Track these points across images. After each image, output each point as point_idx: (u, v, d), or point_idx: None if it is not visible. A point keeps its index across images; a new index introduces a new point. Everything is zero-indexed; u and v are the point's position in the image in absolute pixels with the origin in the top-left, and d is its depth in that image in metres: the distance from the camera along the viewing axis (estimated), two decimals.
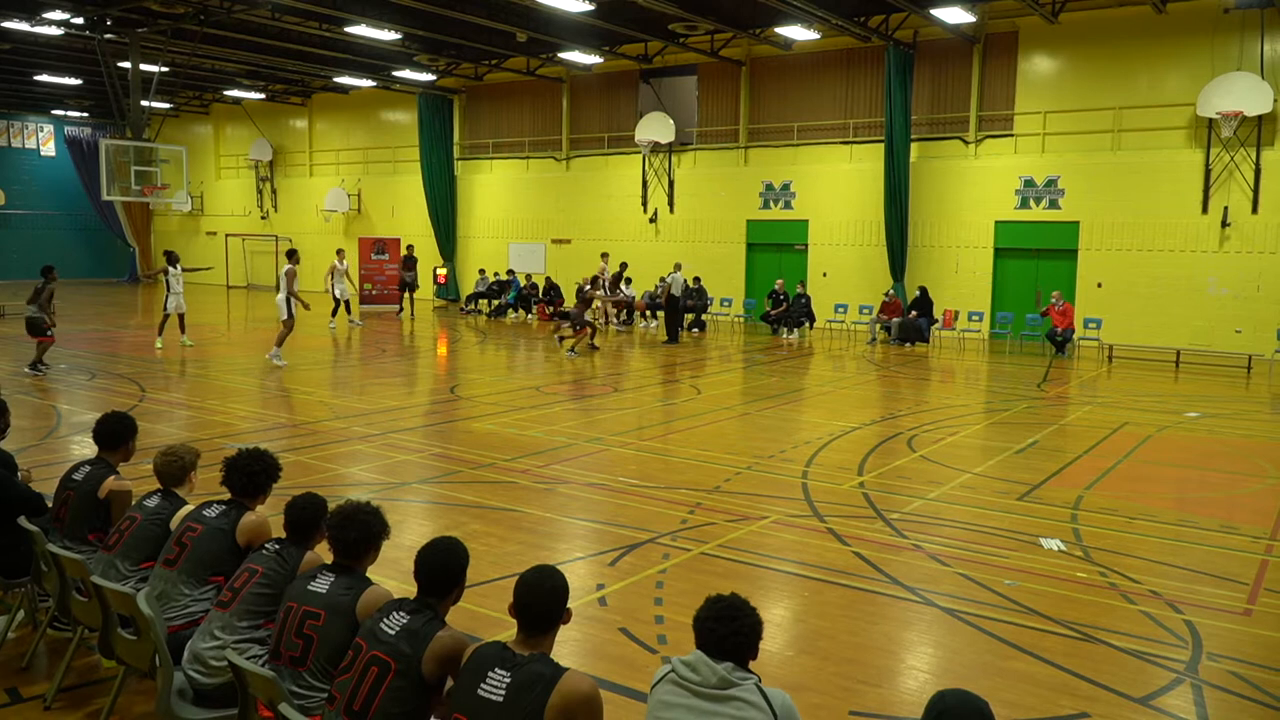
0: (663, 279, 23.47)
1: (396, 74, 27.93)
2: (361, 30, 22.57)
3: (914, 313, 21.71)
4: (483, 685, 3.01)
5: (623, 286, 23.95)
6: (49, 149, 39.55)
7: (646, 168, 26.61)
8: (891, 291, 22.31)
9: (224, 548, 4.38)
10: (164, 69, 26.46)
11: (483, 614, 5.63)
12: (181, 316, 18.46)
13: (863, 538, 7.47)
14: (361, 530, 3.80)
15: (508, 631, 3.55)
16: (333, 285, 23.04)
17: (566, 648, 5.28)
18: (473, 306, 27.56)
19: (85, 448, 9.23)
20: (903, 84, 21.78)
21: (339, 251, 24.00)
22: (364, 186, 33.52)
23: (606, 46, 24.51)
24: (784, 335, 22.64)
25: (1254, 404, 14.69)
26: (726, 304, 25.08)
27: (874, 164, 22.74)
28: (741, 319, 24.99)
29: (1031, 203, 21.37)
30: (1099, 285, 20.63)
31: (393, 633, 3.31)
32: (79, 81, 30.51)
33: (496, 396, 13.80)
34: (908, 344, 21.18)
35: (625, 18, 21.49)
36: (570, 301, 25.77)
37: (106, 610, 4.29)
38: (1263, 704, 4.91)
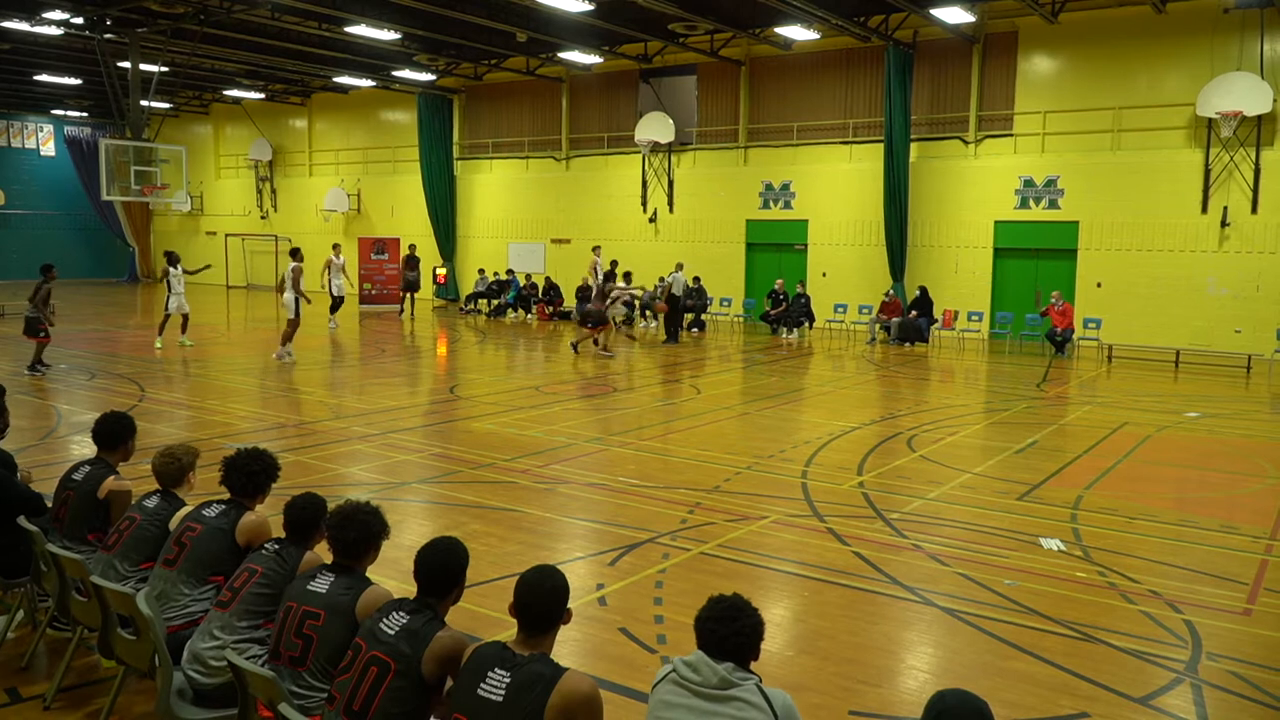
0: (662, 279, 23.47)
1: (396, 74, 27.93)
2: (361, 30, 22.57)
3: (914, 312, 21.71)
4: (482, 685, 3.01)
5: (623, 283, 23.81)
6: (49, 149, 39.54)
7: (646, 167, 26.61)
8: (891, 291, 22.31)
9: (223, 547, 4.38)
10: (164, 69, 26.46)
11: (483, 614, 5.63)
12: (185, 317, 18.45)
13: (862, 537, 7.47)
14: (361, 530, 3.80)
15: (508, 631, 3.55)
16: (329, 281, 23.04)
17: (566, 648, 5.28)
18: (472, 306, 27.55)
19: (85, 448, 9.23)
20: (902, 84, 21.78)
21: (335, 246, 24.00)
22: (363, 186, 33.52)
23: (606, 46, 24.51)
24: (784, 335, 22.64)
25: (1254, 404, 14.69)
26: (726, 304, 25.08)
27: (873, 164, 22.74)
28: (741, 319, 24.99)
29: (1031, 202, 21.37)
30: (1098, 285, 20.63)
31: (392, 633, 3.31)
32: (79, 81, 30.50)
33: (496, 396, 13.80)
34: (907, 344, 21.18)
35: (625, 17, 21.49)
36: (570, 301, 25.82)
37: (106, 610, 4.29)
38: (1262, 704, 4.91)
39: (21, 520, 5.01)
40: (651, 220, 26.77)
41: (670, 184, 26.40)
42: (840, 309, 23.24)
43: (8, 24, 21.73)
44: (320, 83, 31.29)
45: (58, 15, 21.58)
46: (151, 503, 4.82)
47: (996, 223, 21.81)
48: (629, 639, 5.53)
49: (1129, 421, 12.48)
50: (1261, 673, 5.22)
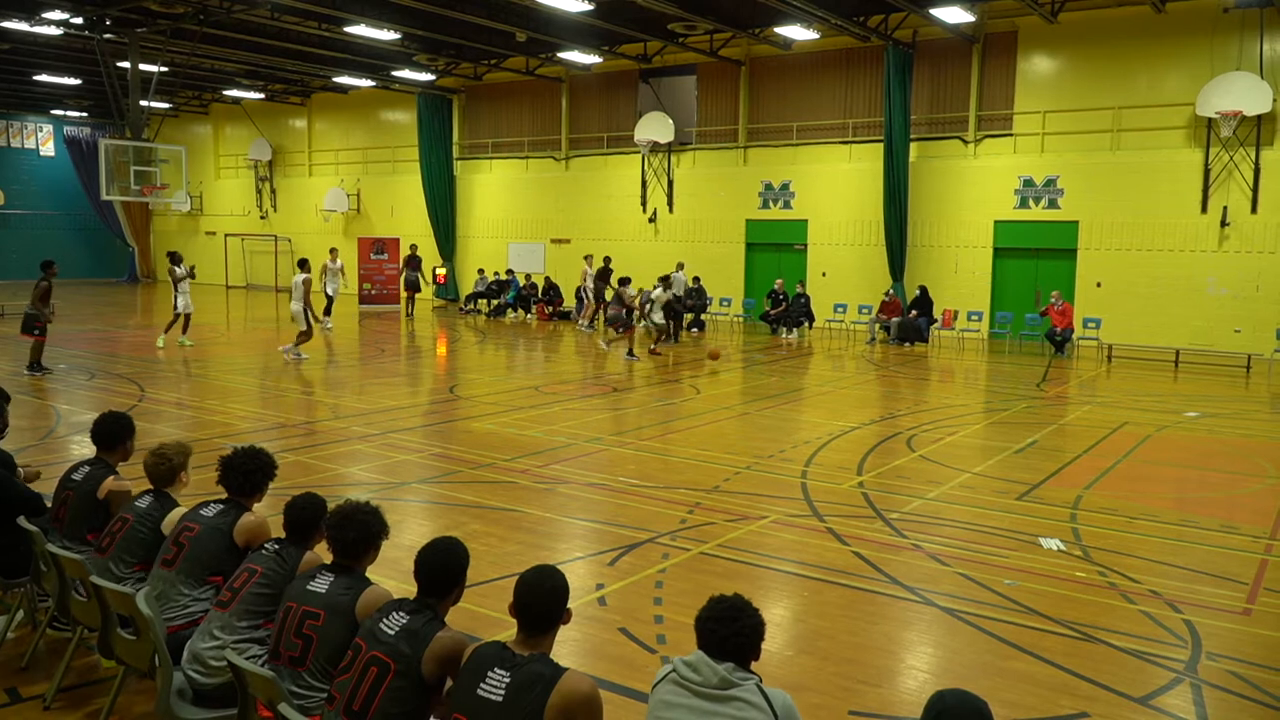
0: (661, 278, 23.45)
1: (396, 74, 27.93)
2: (361, 30, 22.57)
3: (914, 312, 21.71)
4: (482, 685, 3.01)
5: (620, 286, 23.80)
6: (48, 149, 39.54)
7: (646, 167, 26.61)
8: (891, 291, 22.31)
9: (222, 547, 4.37)
10: (163, 69, 26.45)
11: (483, 614, 5.62)
12: (187, 316, 18.46)
13: (862, 537, 7.47)
14: (360, 530, 3.80)
15: (507, 631, 3.55)
16: (325, 284, 23.05)
17: (566, 647, 5.28)
18: (472, 306, 27.55)
19: (84, 448, 9.22)
20: (902, 84, 21.78)
21: (332, 251, 24.00)
22: (363, 186, 33.51)
23: (606, 46, 24.51)
24: (783, 335, 22.65)
25: (1253, 404, 14.69)
26: (726, 304, 25.08)
27: (873, 164, 22.74)
28: (741, 319, 24.99)
29: (1031, 202, 21.37)
30: (1098, 285, 20.64)
31: (392, 633, 3.31)
32: (78, 81, 30.50)
33: (496, 396, 13.80)
34: (907, 344, 21.18)
35: (625, 17, 21.49)
36: (570, 301, 25.83)
37: (106, 610, 4.29)
38: (1262, 704, 4.91)
39: (21, 520, 5.01)
40: (651, 220, 26.77)
41: (670, 184, 26.40)
42: (840, 309, 23.24)
43: (7, 24, 21.72)
44: (320, 83, 31.29)
45: (57, 15, 21.58)
46: (143, 504, 4.80)
47: (996, 222, 21.81)
48: (629, 639, 5.53)
49: (1129, 421, 12.48)
50: (1261, 672, 5.22)
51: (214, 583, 4.35)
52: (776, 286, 23.44)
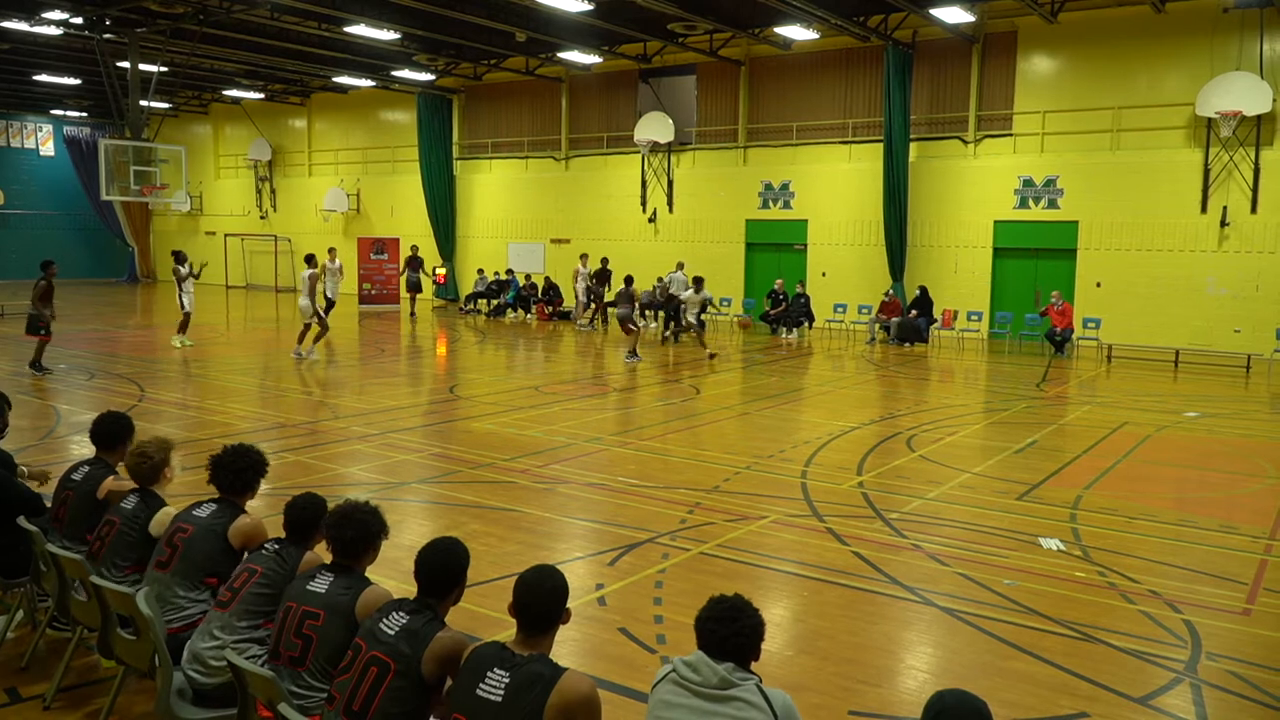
0: (660, 279, 23.49)
1: (395, 74, 27.93)
2: (360, 30, 22.57)
3: (914, 312, 21.71)
4: (482, 685, 3.01)
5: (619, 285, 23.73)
6: (48, 149, 39.54)
7: (645, 167, 26.61)
8: (891, 291, 22.32)
9: (216, 549, 4.35)
10: (163, 69, 26.45)
11: (482, 614, 5.62)
12: (187, 316, 18.48)
13: (862, 537, 7.47)
14: (359, 529, 3.79)
15: (507, 631, 3.55)
16: (325, 285, 22.99)
17: (566, 647, 5.27)
18: (472, 306, 27.55)
19: (84, 447, 9.22)
20: (902, 84, 21.78)
21: (331, 250, 23.96)
22: (363, 186, 33.51)
23: (606, 46, 24.51)
24: (783, 335, 22.64)
25: (1253, 404, 14.69)
26: (726, 304, 25.06)
27: (873, 164, 22.74)
28: (737, 319, 24.96)
29: (1030, 202, 21.37)
30: (1098, 285, 20.64)
31: (392, 633, 3.31)
32: (78, 81, 30.50)
33: (495, 396, 13.80)
34: (907, 344, 21.18)
35: (624, 17, 21.49)
36: (570, 301, 25.82)
37: (106, 610, 4.29)
38: (1262, 704, 4.91)
39: (21, 520, 5.01)
40: (651, 220, 26.77)
41: (670, 184, 26.40)
42: (840, 309, 23.24)
43: (7, 24, 21.72)
44: (320, 83, 31.29)
45: (57, 15, 21.58)
46: (129, 505, 4.76)
47: (996, 222, 21.82)
48: (629, 639, 5.53)
49: (1128, 421, 12.48)
50: (1261, 673, 5.23)
51: (210, 584, 4.34)
52: (776, 286, 23.44)
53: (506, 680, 2.99)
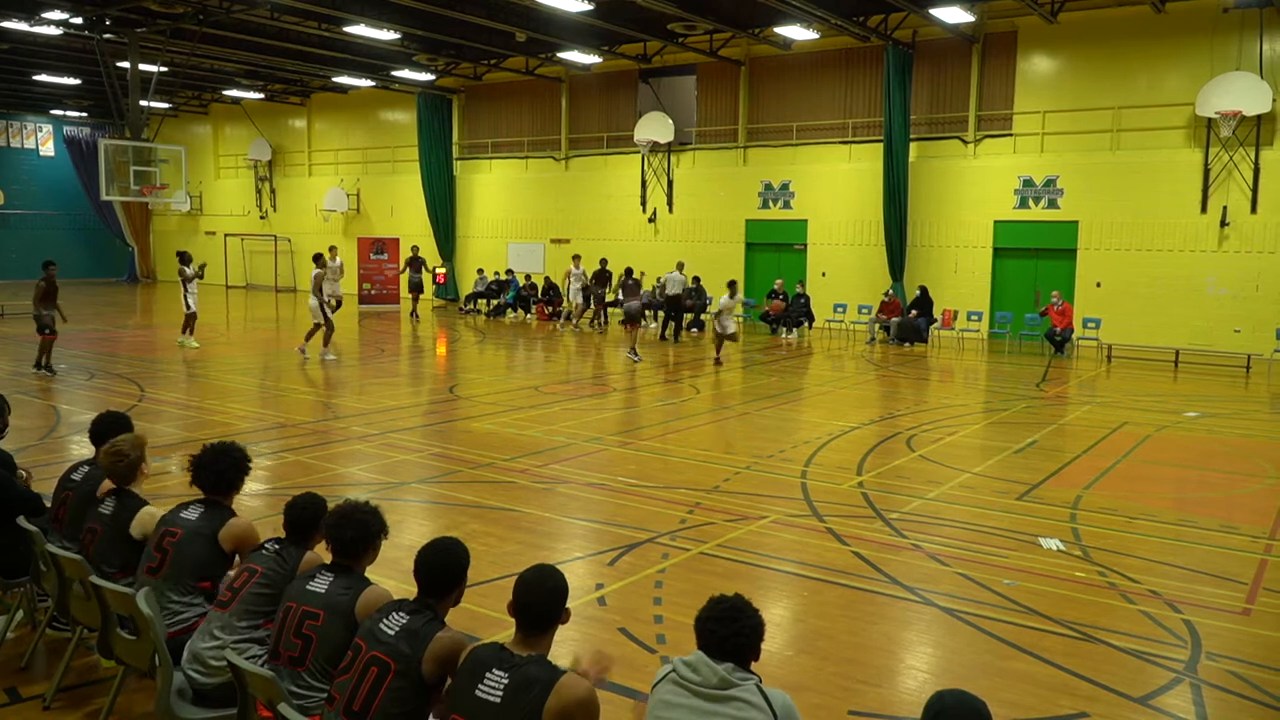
0: (659, 279, 23.50)
1: (395, 74, 27.93)
2: (360, 30, 22.57)
3: (914, 312, 21.72)
4: (480, 686, 3.01)
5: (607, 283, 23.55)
6: (48, 149, 39.54)
7: (645, 167, 26.61)
8: (890, 291, 22.32)
9: (206, 553, 4.33)
10: (163, 69, 26.45)
11: (482, 614, 5.62)
12: (192, 315, 18.48)
13: (862, 537, 7.47)
14: (359, 529, 3.79)
15: (507, 631, 3.55)
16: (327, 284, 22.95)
17: (566, 648, 5.27)
18: (471, 306, 27.55)
19: (84, 448, 9.21)
20: (901, 84, 21.79)
21: (331, 249, 23.89)
22: (363, 186, 33.51)
23: (605, 46, 24.51)
24: (783, 335, 22.65)
25: (1253, 404, 14.69)
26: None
27: (873, 164, 22.74)
28: (740, 319, 24.96)
29: (1030, 202, 21.38)
30: (1098, 285, 20.64)
31: (392, 633, 3.31)
32: (78, 81, 30.50)
33: (495, 396, 13.80)
34: (906, 344, 21.18)
35: (624, 17, 21.49)
36: (567, 304, 25.79)
37: (106, 610, 4.29)
38: (1262, 704, 4.91)
39: (21, 520, 5.01)
40: (651, 220, 26.77)
41: (670, 184, 26.40)
42: (840, 309, 23.24)
43: (7, 24, 21.72)
44: (320, 83, 31.30)
45: (57, 15, 21.58)
46: (108, 509, 4.74)
47: (996, 222, 21.82)
48: (628, 639, 5.53)
49: (1128, 421, 12.48)
50: (1261, 672, 5.23)
51: (204, 588, 4.33)
52: (776, 286, 23.45)
53: (505, 681, 2.99)
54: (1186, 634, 5.70)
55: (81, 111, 38.10)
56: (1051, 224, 21.13)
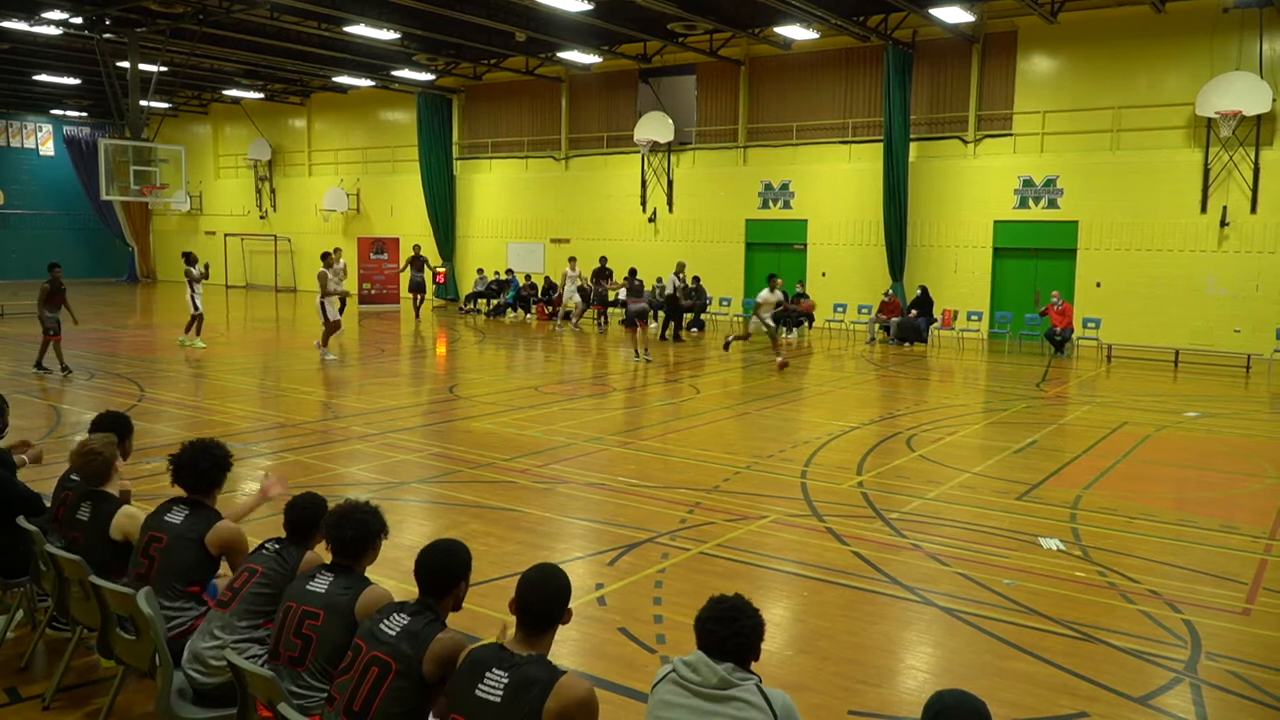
0: (659, 279, 23.50)
1: (395, 74, 27.93)
2: (360, 30, 22.57)
3: (914, 311, 21.72)
4: (481, 686, 3.01)
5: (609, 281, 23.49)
6: (48, 149, 39.54)
7: (645, 167, 26.61)
8: (890, 291, 22.32)
9: (193, 557, 4.31)
10: (163, 69, 26.45)
11: (483, 614, 5.62)
12: (197, 318, 18.50)
13: (862, 537, 7.47)
14: (359, 529, 3.79)
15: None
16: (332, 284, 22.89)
17: (566, 647, 5.27)
18: (471, 306, 27.55)
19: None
20: (901, 84, 21.79)
21: (336, 250, 23.80)
22: (363, 186, 33.51)
23: (605, 46, 24.51)
24: (783, 335, 22.61)
25: (1253, 404, 14.70)
26: (725, 303, 25.08)
27: (873, 164, 22.74)
28: (741, 319, 24.97)
29: (1030, 202, 21.38)
30: (1098, 285, 20.64)
31: (393, 633, 3.31)
32: (78, 81, 30.50)
33: (495, 396, 13.80)
34: (906, 344, 21.18)
35: (624, 17, 21.49)
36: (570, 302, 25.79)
37: (105, 610, 4.29)
38: (1262, 704, 4.91)
39: (21, 520, 5.01)
40: (651, 220, 26.77)
41: (670, 184, 26.40)
42: (840, 309, 23.24)
43: (7, 24, 21.72)
44: (319, 82, 31.30)
45: (57, 15, 21.58)
46: (85, 514, 4.71)
47: (996, 222, 21.82)
48: (628, 639, 5.53)
49: (1128, 421, 12.48)
50: (1261, 672, 5.23)
51: (192, 593, 4.32)
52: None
53: (505, 681, 2.99)
54: (1186, 634, 5.70)
55: (81, 111, 38.10)
56: (1051, 224, 21.13)
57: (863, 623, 5.86)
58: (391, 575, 5.69)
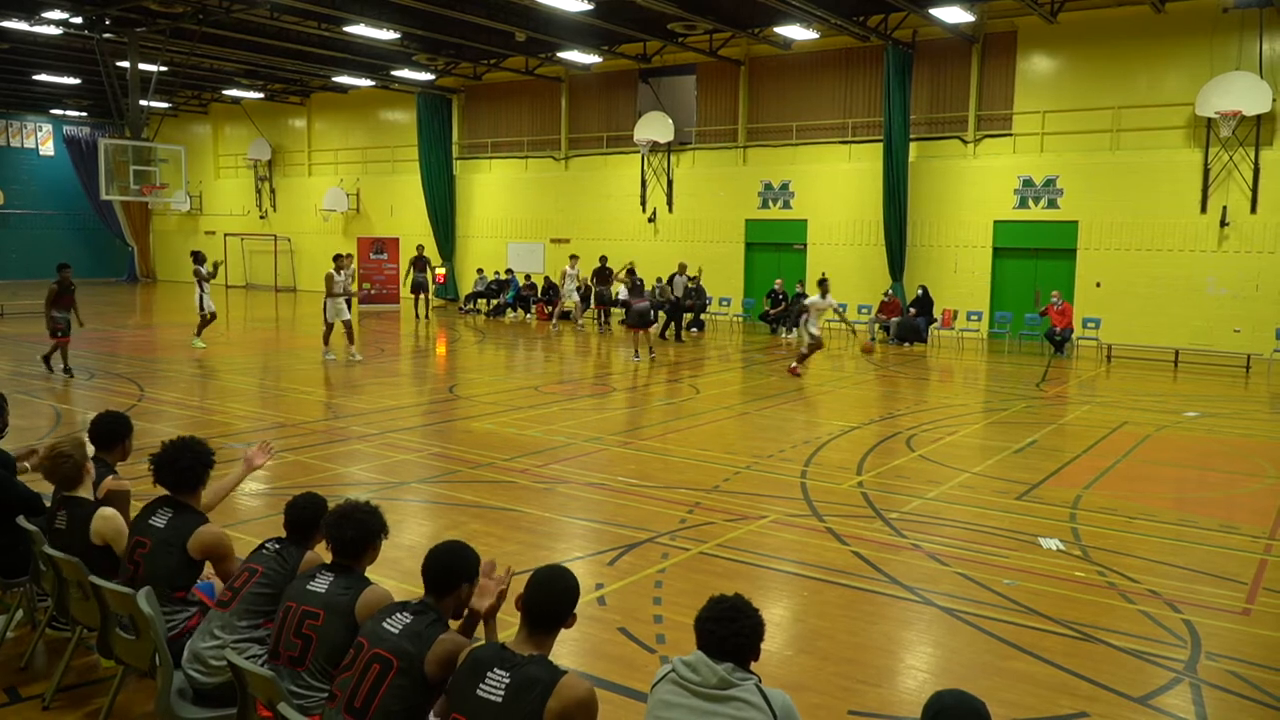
0: (659, 279, 23.48)
1: (395, 73, 27.93)
2: (360, 30, 22.56)
3: (913, 310, 21.71)
4: (482, 685, 3.02)
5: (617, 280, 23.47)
6: (48, 149, 39.53)
7: (645, 167, 26.61)
8: (890, 291, 22.32)
9: (177, 562, 4.30)
10: (163, 68, 26.45)
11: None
12: (208, 317, 18.48)
13: (862, 537, 7.47)
14: (359, 529, 3.79)
15: (506, 632, 3.56)
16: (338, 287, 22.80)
17: (565, 647, 5.28)
18: (471, 306, 27.56)
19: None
20: (901, 84, 21.79)
21: (347, 256, 23.57)
22: (363, 186, 33.51)
23: (605, 46, 24.51)
24: (783, 335, 22.64)
25: (1253, 403, 14.70)
26: (725, 303, 25.08)
27: (873, 163, 22.74)
28: (740, 318, 24.98)
29: (1030, 202, 21.38)
30: (1098, 285, 20.64)
31: (396, 631, 3.32)
32: (78, 81, 30.50)
33: (495, 396, 13.80)
34: (906, 344, 21.18)
35: (624, 17, 21.49)
36: (569, 302, 25.79)
37: (105, 610, 4.28)
38: (1261, 704, 4.91)
39: (21, 520, 5.01)
40: (651, 220, 26.77)
41: (669, 184, 26.40)
42: (840, 309, 23.18)
43: (7, 24, 21.71)
44: (319, 82, 31.29)
45: (57, 15, 21.57)
46: (61, 523, 4.68)
47: (996, 222, 21.82)
48: (628, 639, 5.53)
49: (1128, 421, 12.48)
50: (1260, 672, 5.23)
51: (179, 597, 4.32)
52: (776, 286, 23.44)
53: (507, 680, 2.99)
54: (1186, 634, 5.70)
55: (81, 111, 38.09)
56: (1051, 224, 21.13)
57: (863, 623, 5.86)
58: (391, 575, 5.69)
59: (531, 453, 10.13)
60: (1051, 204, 21.12)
